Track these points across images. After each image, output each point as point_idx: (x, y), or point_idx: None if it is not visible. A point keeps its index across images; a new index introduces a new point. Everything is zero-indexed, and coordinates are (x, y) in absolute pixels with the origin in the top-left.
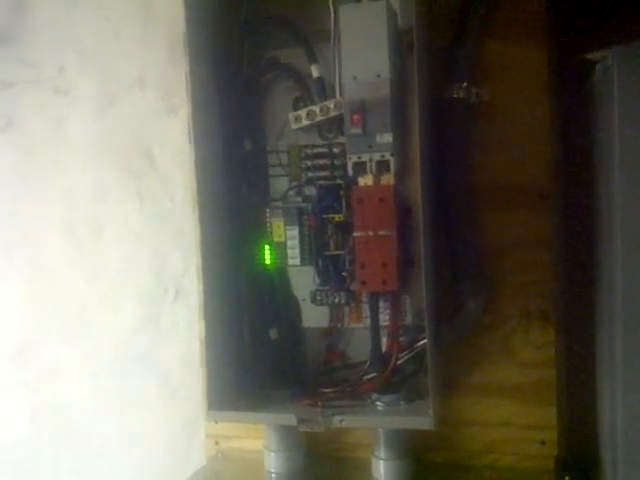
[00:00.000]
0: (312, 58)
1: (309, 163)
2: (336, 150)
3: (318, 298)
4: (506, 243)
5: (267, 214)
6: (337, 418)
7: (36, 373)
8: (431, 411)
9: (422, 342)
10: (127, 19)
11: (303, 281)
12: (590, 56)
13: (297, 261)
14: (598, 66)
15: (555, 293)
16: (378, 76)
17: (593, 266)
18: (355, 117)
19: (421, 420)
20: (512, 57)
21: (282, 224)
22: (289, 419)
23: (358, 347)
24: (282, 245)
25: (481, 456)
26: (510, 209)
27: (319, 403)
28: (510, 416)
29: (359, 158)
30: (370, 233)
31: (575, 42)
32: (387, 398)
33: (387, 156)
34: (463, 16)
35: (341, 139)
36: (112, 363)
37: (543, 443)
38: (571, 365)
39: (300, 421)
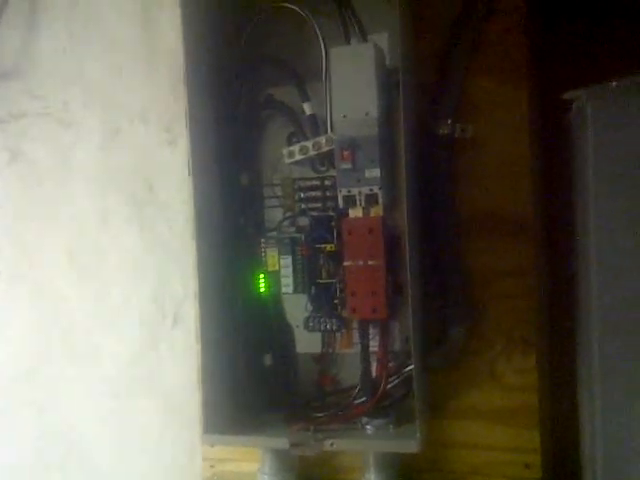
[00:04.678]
0: (305, 96)
1: (302, 195)
2: (328, 183)
3: (310, 324)
4: (490, 272)
5: (262, 244)
6: (328, 442)
7: (40, 396)
8: (418, 435)
9: (410, 367)
10: (131, 54)
11: (297, 308)
12: (567, 96)
13: (290, 289)
14: (574, 105)
15: (537, 320)
16: (367, 114)
17: (572, 293)
18: (345, 153)
19: (407, 443)
20: (495, 95)
21: (276, 254)
22: (282, 443)
23: (349, 372)
24: (276, 274)
25: (467, 478)
26: (493, 239)
27: (311, 427)
28: (495, 439)
29: (349, 192)
30: (360, 263)
31: (554, 80)
32: (376, 422)
33: (375, 190)
34: (448, 55)
35: (333, 172)
36: (114, 387)
37: (527, 466)
38: (553, 390)
39: (292, 445)
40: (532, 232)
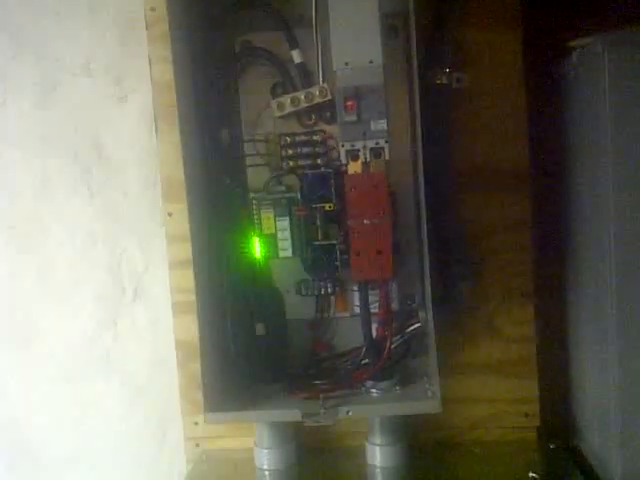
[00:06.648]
0: (293, 43)
1: (290, 151)
2: (316, 138)
3: (304, 289)
4: (487, 225)
5: (254, 206)
6: (343, 409)
7: None
8: (437, 394)
9: (414, 327)
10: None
11: (287, 273)
12: (576, 43)
13: (289, 252)
14: (578, 52)
15: (534, 272)
16: (371, 62)
17: (571, 245)
18: (349, 104)
19: (430, 404)
20: (489, 43)
21: (272, 215)
22: (293, 415)
23: (344, 336)
24: (271, 237)
25: (468, 433)
26: (490, 192)
27: (320, 395)
28: (494, 392)
29: (352, 146)
30: (365, 221)
31: (547, 29)
32: (382, 385)
33: (382, 143)
34: (442, 3)
35: (322, 126)
36: (67, 370)
37: (526, 415)
38: (549, 340)
39: (305, 416)
40: (528, 184)
